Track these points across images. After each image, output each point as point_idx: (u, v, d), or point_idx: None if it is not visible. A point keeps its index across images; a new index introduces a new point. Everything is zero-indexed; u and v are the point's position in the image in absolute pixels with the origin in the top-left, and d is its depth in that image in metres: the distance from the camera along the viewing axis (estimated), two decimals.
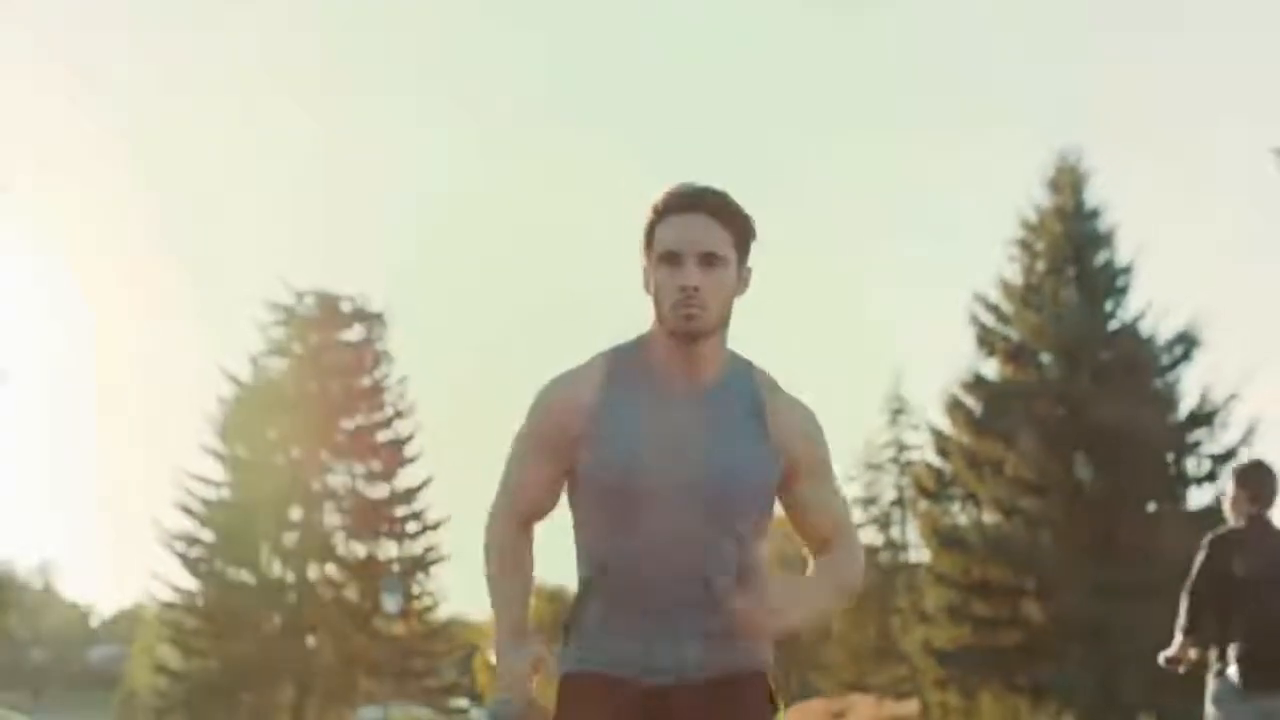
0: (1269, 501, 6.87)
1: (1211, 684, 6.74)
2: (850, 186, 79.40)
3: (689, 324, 3.20)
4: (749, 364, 3.36)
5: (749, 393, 3.30)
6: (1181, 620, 6.72)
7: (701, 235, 3.21)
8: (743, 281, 3.30)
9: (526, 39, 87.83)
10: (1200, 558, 6.83)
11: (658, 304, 3.26)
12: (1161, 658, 6.85)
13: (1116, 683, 29.38)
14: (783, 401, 3.32)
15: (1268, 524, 6.86)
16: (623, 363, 3.32)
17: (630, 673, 3.26)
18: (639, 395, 3.27)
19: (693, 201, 3.24)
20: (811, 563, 3.41)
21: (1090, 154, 41.98)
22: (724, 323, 3.28)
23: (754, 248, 3.33)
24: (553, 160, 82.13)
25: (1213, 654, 6.72)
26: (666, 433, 3.24)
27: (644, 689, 3.25)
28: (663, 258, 3.23)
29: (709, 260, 3.20)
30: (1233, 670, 6.58)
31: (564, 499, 3.39)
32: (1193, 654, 6.71)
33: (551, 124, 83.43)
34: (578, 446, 3.27)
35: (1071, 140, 47.33)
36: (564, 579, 40.02)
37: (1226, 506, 7.00)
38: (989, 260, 44.46)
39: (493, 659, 3.29)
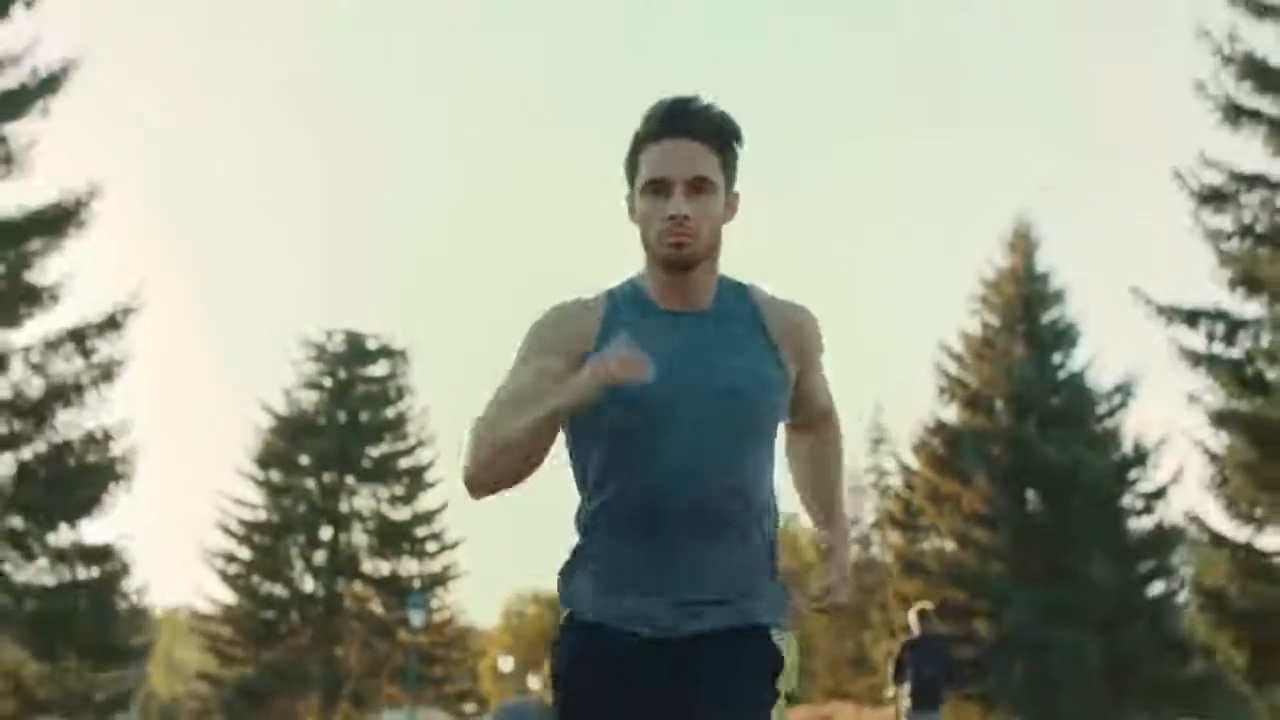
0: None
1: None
2: (849, 198, 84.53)
3: (679, 253, 3.18)
4: (740, 282, 3.36)
5: (746, 307, 3.32)
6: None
7: (688, 161, 3.19)
8: (730, 206, 3.28)
9: (541, 45, 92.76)
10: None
11: (644, 234, 3.23)
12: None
13: (1056, 694, 35.10)
14: (778, 307, 3.35)
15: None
16: (620, 296, 3.31)
17: (628, 624, 3.23)
18: (643, 319, 3.26)
19: (677, 125, 3.21)
20: (797, 438, 3.57)
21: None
22: (714, 250, 3.26)
23: (740, 166, 3.29)
24: (561, 172, 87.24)
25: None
26: (673, 349, 3.21)
27: (645, 640, 3.21)
28: (648, 185, 3.20)
29: (696, 186, 3.18)
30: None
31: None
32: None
33: (561, 141, 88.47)
34: (581, 366, 3.17)
35: (1029, 207, 53.55)
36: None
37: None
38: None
39: (555, 401, 3.04)
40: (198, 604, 46.25)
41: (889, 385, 79.06)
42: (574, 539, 3.33)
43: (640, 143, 3.24)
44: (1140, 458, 37.25)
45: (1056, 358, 38.51)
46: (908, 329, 75.06)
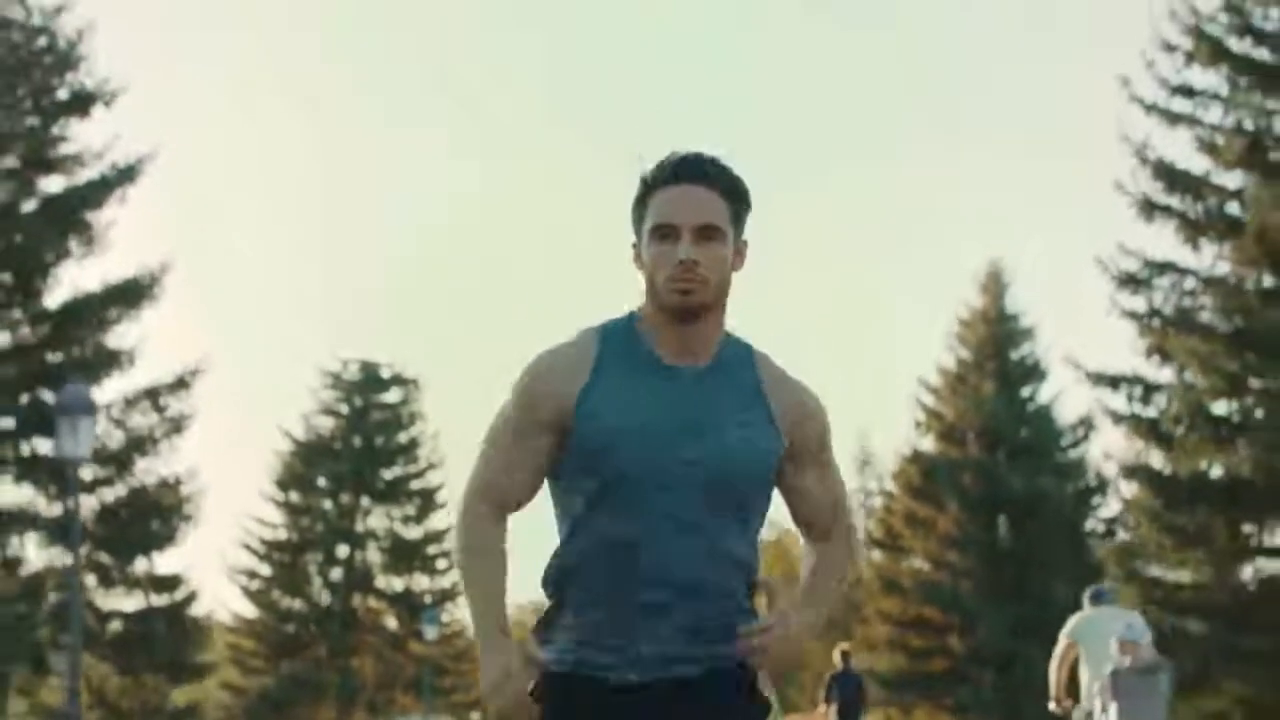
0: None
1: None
2: (844, 212, 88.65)
3: (686, 299, 3.19)
4: (747, 344, 3.35)
5: (748, 371, 3.30)
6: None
7: (697, 207, 3.21)
8: (739, 255, 3.30)
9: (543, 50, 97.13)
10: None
11: (650, 280, 3.25)
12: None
13: (1021, 704, 39.63)
14: (784, 381, 3.33)
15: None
16: (615, 338, 3.30)
17: (602, 671, 3.24)
18: (633, 372, 3.25)
19: (687, 171, 3.25)
20: (807, 548, 3.45)
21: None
22: (721, 299, 3.28)
23: (748, 219, 3.32)
24: (571, 186, 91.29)
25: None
26: (665, 409, 3.21)
27: (614, 686, 3.23)
28: (655, 230, 3.22)
29: (706, 233, 3.20)
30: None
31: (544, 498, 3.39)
32: None
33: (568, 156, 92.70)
34: (568, 423, 3.23)
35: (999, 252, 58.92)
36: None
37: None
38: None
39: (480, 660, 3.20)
40: (221, 616, 50.46)
41: (881, 405, 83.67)
42: (546, 595, 3.35)
43: (649, 189, 3.27)
44: (1101, 486, 41.79)
45: (1025, 392, 43.05)
46: (903, 352, 79.62)
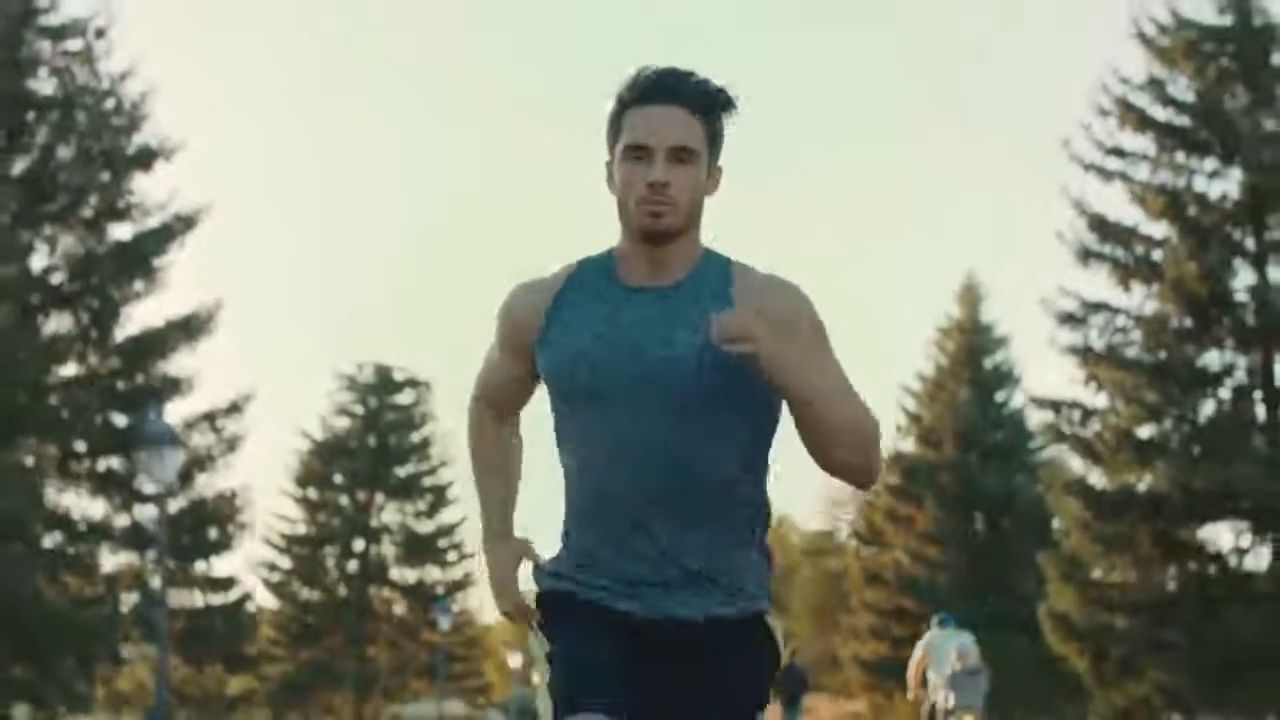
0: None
1: None
2: (847, 198, 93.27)
3: (656, 222, 3.22)
4: (726, 258, 3.36)
5: (718, 281, 3.30)
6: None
7: (671, 127, 3.22)
8: (713, 179, 3.32)
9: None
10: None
11: (622, 202, 3.27)
12: None
13: (995, 690, 44.56)
14: (755, 280, 3.30)
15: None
16: (587, 267, 3.38)
17: (602, 596, 3.31)
18: (594, 298, 3.33)
19: (662, 89, 3.25)
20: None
21: None
22: (694, 223, 3.28)
23: (727, 140, 3.32)
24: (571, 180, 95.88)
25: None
26: (620, 329, 3.28)
27: (615, 617, 3.29)
28: (628, 151, 3.24)
29: (679, 155, 3.22)
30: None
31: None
32: None
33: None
34: (535, 349, 3.37)
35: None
36: None
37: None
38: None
39: (482, 564, 3.41)
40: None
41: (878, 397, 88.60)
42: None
43: (623, 107, 3.28)
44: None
45: (999, 397, 47.87)
46: (885, 360, 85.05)
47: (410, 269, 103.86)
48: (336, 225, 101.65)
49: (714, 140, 3.31)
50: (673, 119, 3.24)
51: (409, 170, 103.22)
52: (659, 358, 3.25)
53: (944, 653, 18.60)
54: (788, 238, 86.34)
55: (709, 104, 3.29)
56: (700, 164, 3.27)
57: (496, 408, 3.59)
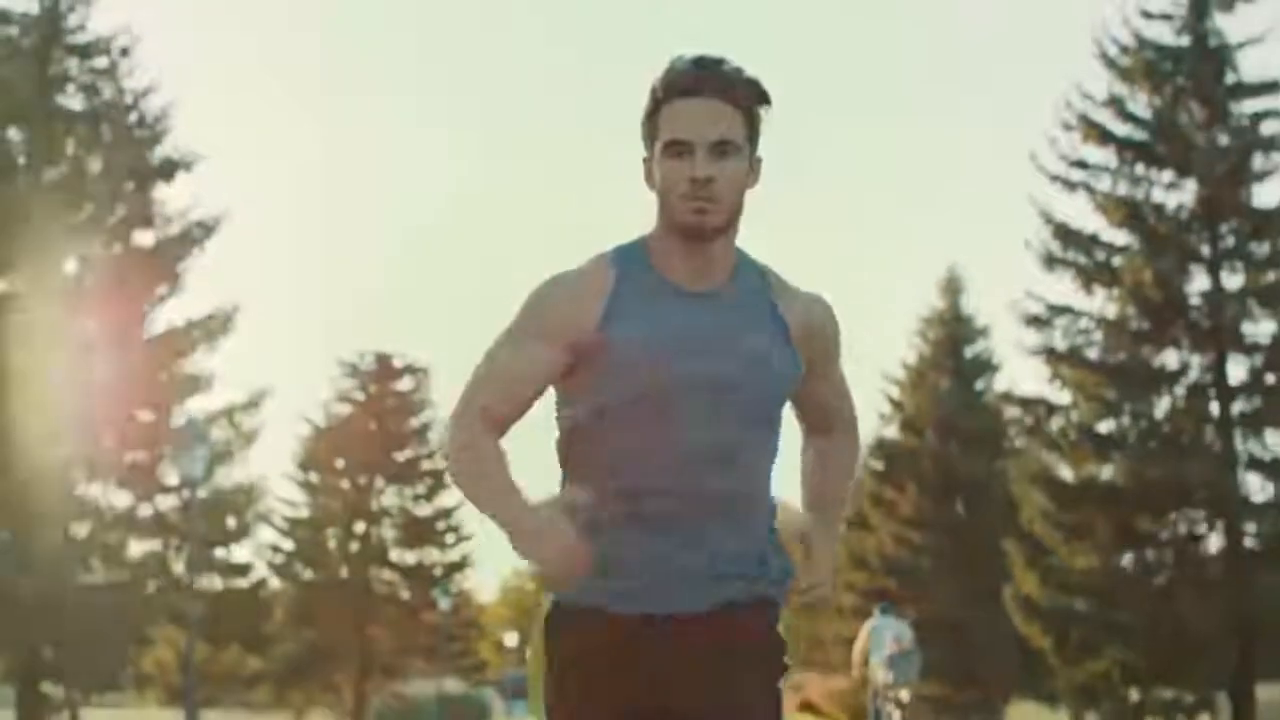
0: None
1: None
2: (847, 186, 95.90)
3: (702, 219, 3.26)
4: (758, 265, 3.47)
5: (763, 291, 3.42)
6: None
7: (712, 121, 3.25)
8: (754, 172, 3.35)
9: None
10: None
11: (664, 198, 3.30)
12: None
13: (974, 665, 47.34)
14: (796, 298, 3.46)
15: None
16: (630, 261, 3.38)
17: (631, 606, 3.33)
18: (653, 293, 3.33)
19: (702, 82, 3.27)
20: (806, 443, 3.71)
21: None
22: (736, 219, 3.34)
23: (765, 129, 3.36)
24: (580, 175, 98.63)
25: None
26: (690, 328, 3.30)
27: (641, 619, 3.32)
28: (669, 147, 3.27)
29: (721, 149, 3.26)
30: None
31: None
32: None
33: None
34: (586, 342, 3.32)
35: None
36: None
37: None
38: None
39: (515, 548, 3.29)
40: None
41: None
42: None
43: (660, 102, 3.30)
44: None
45: (979, 385, 50.64)
46: (871, 348, 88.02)
47: (409, 261, 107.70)
48: (339, 223, 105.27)
49: (754, 132, 3.35)
50: (713, 112, 3.27)
51: (407, 166, 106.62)
52: (745, 361, 3.35)
53: (883, 638, 21.41)
54: (781, 226, 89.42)
55: (748, 95, 3.33)
56: (743, 157, 3.32)
57: (501, 424, 3.45)
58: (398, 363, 57.62)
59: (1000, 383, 49.98)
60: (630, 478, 3.36)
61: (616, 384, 3.34)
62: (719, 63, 3.30)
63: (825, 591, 3.58)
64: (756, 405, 3.37)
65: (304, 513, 55.97)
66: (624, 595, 3.36)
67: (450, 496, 56.41)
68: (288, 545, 55.45)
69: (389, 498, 56.50)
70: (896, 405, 50.97)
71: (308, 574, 55.45)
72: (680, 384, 3.31)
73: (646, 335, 3.31)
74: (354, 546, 55.83)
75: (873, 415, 50.79)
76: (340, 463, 56.06)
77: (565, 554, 3.24)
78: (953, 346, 50.51)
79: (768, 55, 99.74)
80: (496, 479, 3.38)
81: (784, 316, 3.42)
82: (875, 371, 51.94)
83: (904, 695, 21.25)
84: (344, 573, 55.30)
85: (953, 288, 51.12)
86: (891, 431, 51.04)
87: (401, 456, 56.70)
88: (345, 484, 56.05)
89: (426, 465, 56.75)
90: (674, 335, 3.32)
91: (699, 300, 3.35)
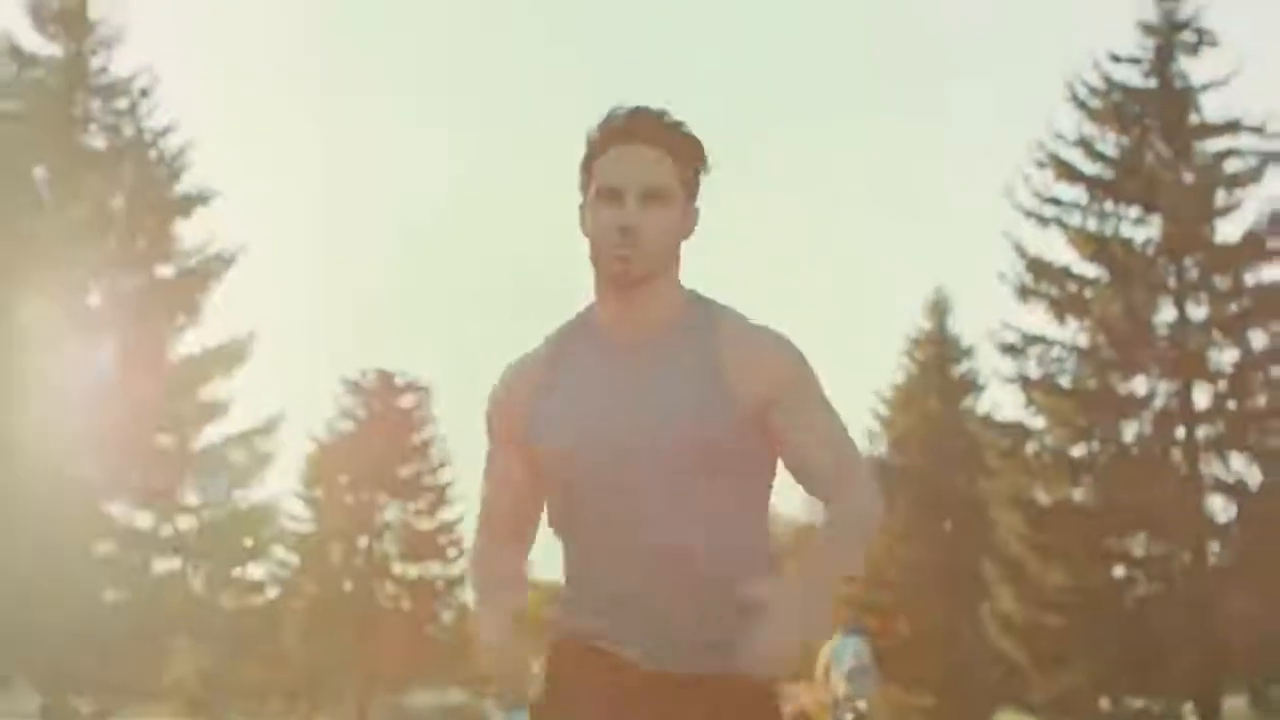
0: None
1: None
2: (839, 176, 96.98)
3: (626, 267, 3.25)
4: (712, 303, 3.38)
5: (702, 333, 3.31)
6: None
7: (643, 169, 3.25)
8: (689, 221, 3.34)
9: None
10: None
11: (593, 246, 3.30)
12: None
13: (960, 676, 49.54)
14: (741, 332, 3.32)
15: None
16: (568, 332, 3.40)
17: (606, 645, 3.35)
18: (583, 362, 3.34)
19: (634, 130, 3.28)
20: (819, 511, 3.46)
21: None
22: (667, 267, 3.31)
23: (704, 182, 3.34)
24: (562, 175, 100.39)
25: None
26: (605, 396, 3.30)
27: (620, 662, 3.32)
28: (600, 194, 3.27)
29: (651, 197, 3.25)
30: None
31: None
32: None
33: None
34: (526, 449, 3.39)
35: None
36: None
37: None
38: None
39: (483, 653, 3.35)
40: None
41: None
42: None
43: (594, 148, 3.31)
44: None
45: (967, 402, 52.87)
46: (862, 370, 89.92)
47: (414, 283, 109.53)
48: (340, 239, 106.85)
49: (689, 180, 3.34)
50: (644, 159, 3.27)
51: (408, 181, 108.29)
52: (643, 424, 3.29)
53: (843, 654, 23.23)
54: (767, 243, 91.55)
55: (682, 143, 3.32)
56: (674, 205, 3.30)
57: (507, 533, 3.54)
58: (399, 380, 59.38)
59: (984, 404, 52.35)
60: (577, 562, 3.46)
61: (548, 480, 3.45)
62: (652, 111, 3.35)
63: (767, 668, 3.19)
64: (677, 458, 3.29)
65: (308, 527, 57.62)
66: (594, 634, 3.45)
67: (452, 511, 58.39)
68: (292, 559, 56.99)
69: (391, 512, 57.96)
70: (886, 424, 53.19)
71: (311, 588, 56.74)
72: (590, 467, 3.33)
73: (556, 427, 3.38)
74: (357, 561, 57.42)
75: (863, 434, 53.07)
76: (343, 478, 57.59)
77: (510, 671, 3.34)
78: (940, 367, 52.70)
79: (768, 59, 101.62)
80: (482, 589, 3.52)
81: (722, 359, 3.32)
82: (867, 391, 54.23)
83: (861, 705, 23.25)
84: (348, 586, 56.92)
85: (940, 309, 53.29)
86: (881, 449, 53.26)
87: (404, 472, 58.18)
88: (349, 499, 57.51)
89: (428, 481, 58.47)
90: (586, 414, 3.35)
91: (624, 359, 3.37)
